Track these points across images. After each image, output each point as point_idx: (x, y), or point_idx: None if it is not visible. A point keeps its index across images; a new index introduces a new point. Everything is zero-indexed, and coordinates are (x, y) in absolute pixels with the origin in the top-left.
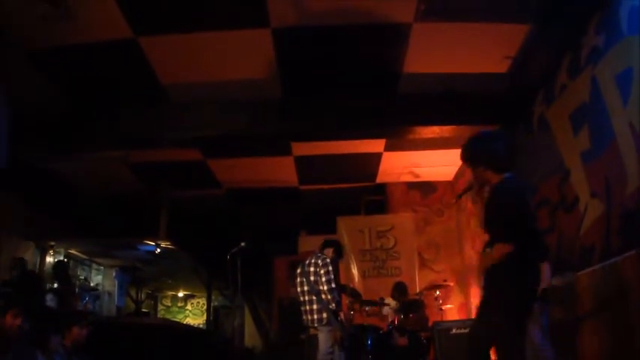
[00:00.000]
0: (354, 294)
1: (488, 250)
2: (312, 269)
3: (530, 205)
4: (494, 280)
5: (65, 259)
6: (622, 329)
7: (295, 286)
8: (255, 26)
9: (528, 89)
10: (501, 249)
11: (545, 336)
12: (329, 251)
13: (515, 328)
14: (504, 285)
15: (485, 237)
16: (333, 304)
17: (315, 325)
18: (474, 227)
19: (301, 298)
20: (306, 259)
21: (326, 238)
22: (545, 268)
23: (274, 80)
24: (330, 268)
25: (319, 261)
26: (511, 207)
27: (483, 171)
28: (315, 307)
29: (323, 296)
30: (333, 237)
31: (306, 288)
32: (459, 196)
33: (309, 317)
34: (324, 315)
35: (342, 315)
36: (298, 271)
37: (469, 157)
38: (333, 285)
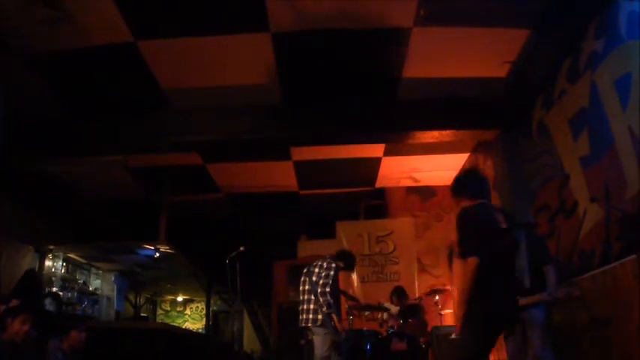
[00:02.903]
0: (353, 299)
1: None
2: (316, 270)
3: None
4: None
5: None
6: (622, 334)
7: (299, 285)
8: (255, 31)
9: (528, 94)
10: None
11: (546, 342)
12: (340, 262)
13: None
14: None
15: None
16: (325, 307)
17: (310, 324)
18: None
19: (301, 297)
20: (314, 261)
21: (343, 249)
22: (551, 272)
23: (274, 85)
24: (332, 273)
25: (324, 264)
26: None
27: None
28: (311, 306)
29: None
30: (333, 241)
31: (307, 287)
32: None
33: (305, 317)
34: (319, 316)
35: (335, 318)
36: (304, 270)
37: None
38: (327, 289)
